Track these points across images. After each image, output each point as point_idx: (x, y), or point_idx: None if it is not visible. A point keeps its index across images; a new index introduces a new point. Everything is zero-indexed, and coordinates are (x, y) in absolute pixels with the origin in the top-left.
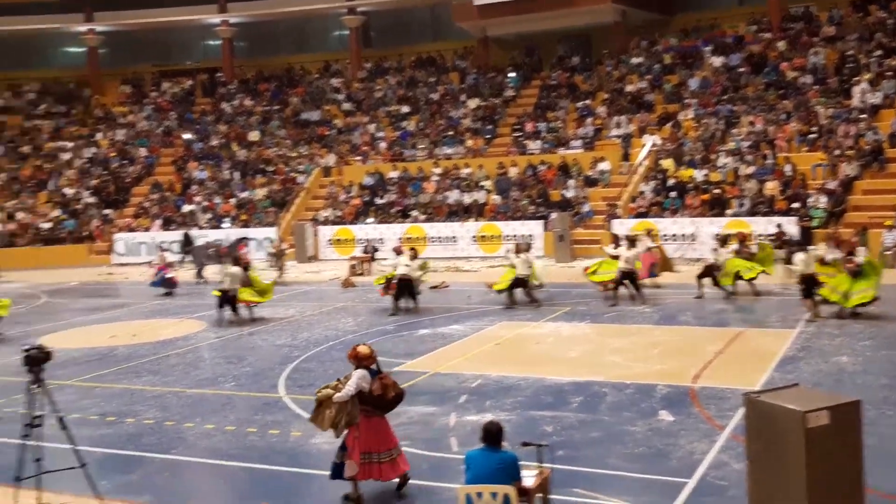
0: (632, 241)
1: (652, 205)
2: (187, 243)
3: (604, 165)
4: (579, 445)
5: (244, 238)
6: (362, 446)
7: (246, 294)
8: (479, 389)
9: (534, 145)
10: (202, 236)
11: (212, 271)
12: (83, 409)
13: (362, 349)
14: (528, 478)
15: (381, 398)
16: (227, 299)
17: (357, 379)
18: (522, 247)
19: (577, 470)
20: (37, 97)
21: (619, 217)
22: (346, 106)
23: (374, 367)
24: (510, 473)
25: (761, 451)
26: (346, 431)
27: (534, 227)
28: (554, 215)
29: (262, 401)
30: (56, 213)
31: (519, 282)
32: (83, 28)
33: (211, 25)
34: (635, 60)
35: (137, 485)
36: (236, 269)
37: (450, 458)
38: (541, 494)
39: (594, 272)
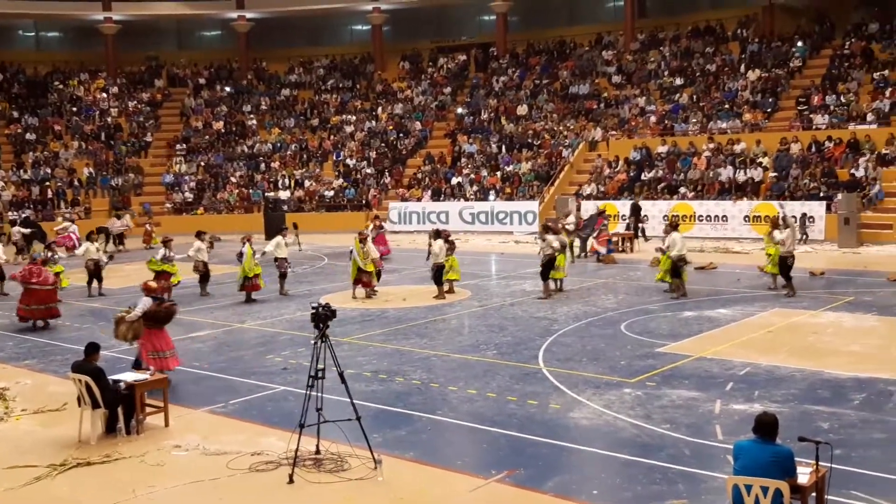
0: None
1: None
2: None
3: None
4: (859, 446)
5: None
6: (150, 347)
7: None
8: (748, 378)
9: (821, 119)
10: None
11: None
12: (358, 365)
13: (150, 284)
14: (803, 475)
15: (156, 315)
16: None
17: (142, 305)
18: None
19: (855, 471)
20: (325, 73)
21: None
22: (616, 79)
23: (158, 295)
24: (785, 468)
25: None
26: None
27: (815, 208)
28: (840, 196)
29: (523, 371)
30: (339, 181)
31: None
32: (369, 7)
33: (486, 0)
34: None
35: (405, 440)
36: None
37: (714, 446)
38: (815, 494)
39: None
